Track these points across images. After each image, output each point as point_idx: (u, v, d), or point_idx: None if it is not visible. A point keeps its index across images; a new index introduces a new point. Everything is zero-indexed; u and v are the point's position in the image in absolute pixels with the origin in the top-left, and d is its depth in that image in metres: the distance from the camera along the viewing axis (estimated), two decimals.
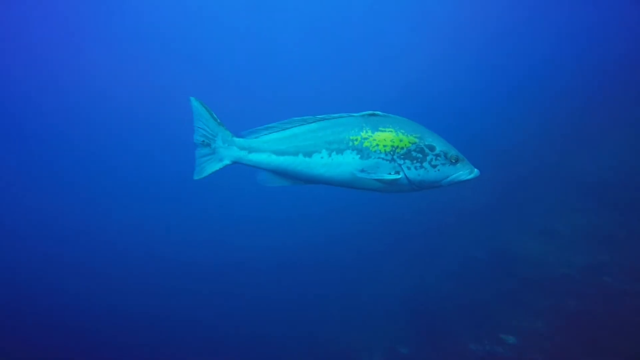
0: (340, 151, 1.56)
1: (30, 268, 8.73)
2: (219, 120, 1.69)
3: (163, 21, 15.48)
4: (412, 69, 17.49)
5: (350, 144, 1.56)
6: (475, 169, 1.64)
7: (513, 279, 5.01)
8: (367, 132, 1.56)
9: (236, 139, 1.68)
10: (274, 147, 1.62)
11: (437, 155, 1.57)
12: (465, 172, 1.62)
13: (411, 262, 6.54)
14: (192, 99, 1.67)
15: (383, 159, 1.56)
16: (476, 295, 5.09)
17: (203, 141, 1.68)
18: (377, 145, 1.56)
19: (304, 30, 17.44)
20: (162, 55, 16.06)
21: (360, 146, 1.56)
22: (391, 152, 1.56)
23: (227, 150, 1.67)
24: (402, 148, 1.56)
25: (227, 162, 1.70)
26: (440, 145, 1.60)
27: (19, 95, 14.67)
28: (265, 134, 1.66)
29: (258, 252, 8.36)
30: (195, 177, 1.71)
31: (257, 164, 1.68)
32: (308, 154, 1.58)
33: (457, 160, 1.60)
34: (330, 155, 1.57)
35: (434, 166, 1.57)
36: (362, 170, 1.56)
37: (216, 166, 1.70)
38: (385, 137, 1.56)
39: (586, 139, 7.68)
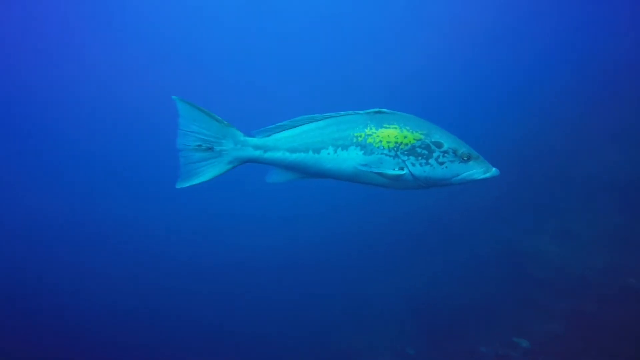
0: (345, 147, 1.61)
1: (31, 268, 8.71)
2: (226, 122, 1.64)
3: (161, 21, 15.36)
4: (424, 68, 17.43)
5: (355, 140, 1.60)
6: (494, 168, 1.60)
7: (526, 279, 4.79)
8: (371, 128, 1.60)
9: (249, 139, 1.67)
10: (287, 145, 1.65)
11: (444, 152, 1.57)
12: (479, 171, 1.59)
13: (418, 262, 6.37)
14: (177, 99, 1.57)
15: (386, 154, 1.58)
16: (487, 297, 4.90)
17: (200, 145, 1.61)
18: (381, 141, 1.58)
19: (310, 30, 17.23)
20: (166, 53, 16.00)
21: (364, 142, 1.59)
22: (394, 149, 1.58)
23: (239, 151, 1.65)
24: (406, 144, 1.57)
25: (236, 163, 1.67)
26: (449, 143, 1.58)
27: (21, 95, 14.68)
28: (277, 132, 1.68)
29: (259, 251, 8.28)
30: (190, 182, 1.62)
31: (273, 162, 1.69)
32: (316, 151, 1.63)
33: (469, 158, 1.57)
34: (336, 151, 1.62)
35: (441, 163, 1.56)
36: (365, 165, 1.59)
37: (222, 169, 1.65)
38: (389, 133, 1.58)
39: (604, 137, 7.36)
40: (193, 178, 1.62)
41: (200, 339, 6.39)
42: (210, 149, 1.62)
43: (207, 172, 1.64)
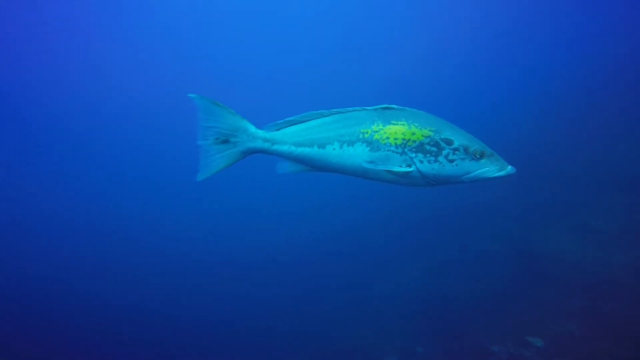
0: (351, 143, 1.61)
1: (35, 267, 8.80)
2: (240, 115, 1.73)
3: (171, 21, 15.35)
4: (431, 66, 17.25)
5: (361, 136, 1.60)
6: (509, 166, 1.56)
7: (541, 277, 4.66)
8: (378, 125, 1.59)
9: (259, 132, 1.74)
10: (293, 140, 1.70)
11: (455, 149, 1.53)
12: (493, 169, 1.54)
13: (428, 258, 6.26)
14: (196, 97, 1.64)
15: (393, 151, 1.57)
16: (500, 294, 4.78)
17: (217, 138, 1.70)
18: (388, 138, 1.57)
19: (320, 29, 17.09)
20: (179, 52, 16.06)
21: (371, 139, 1.59)
22: (402, 145, 1.56)
23: (251, 142, 1.73)
24: (414, 141, 1.55)
25: (248, 153, 1.75)
26: (460, 140, 1.54)
27: (32, 95, 14.85)
28: (286, 127, 1.73)
29: (262, 247, 8.26)
30: (208, 174, 1.71)
31: (280, 155, 1.76)
32: (322, 146, 1.65)
33: (482, 156, 1.53)
34: (341, 147, 1.63)
35: (451, 161, 1.53)
36: (371, 162, 1.59)
37: (236, 158, 1.74)
38: (396, 130, 1.56)
39: (618, 132, 7.13)
40: (210, 169, 1.71)
41: (202, 336, 6.39)
42: (226, 141, 1.71)
43: (222, 162, 1.72)
